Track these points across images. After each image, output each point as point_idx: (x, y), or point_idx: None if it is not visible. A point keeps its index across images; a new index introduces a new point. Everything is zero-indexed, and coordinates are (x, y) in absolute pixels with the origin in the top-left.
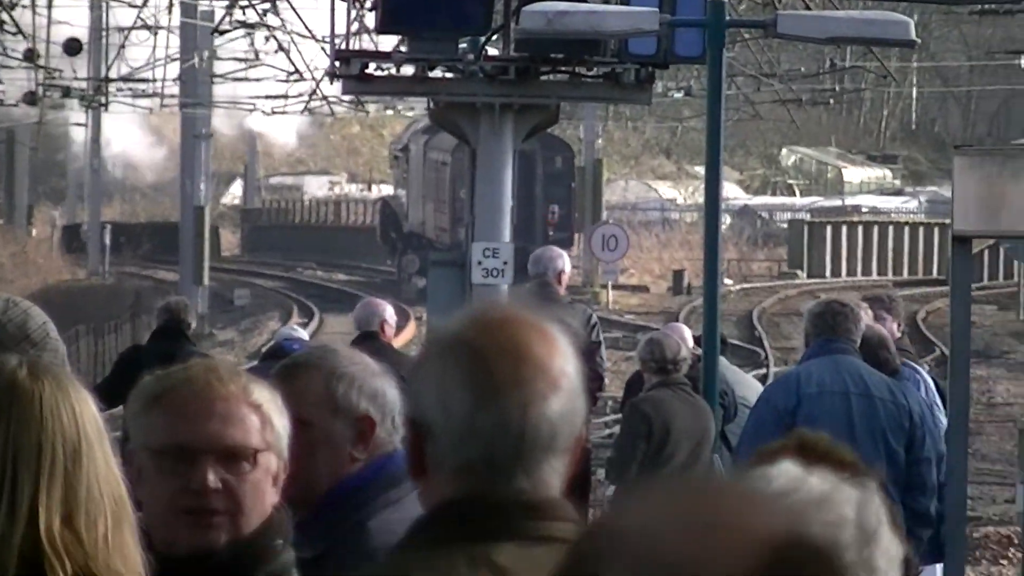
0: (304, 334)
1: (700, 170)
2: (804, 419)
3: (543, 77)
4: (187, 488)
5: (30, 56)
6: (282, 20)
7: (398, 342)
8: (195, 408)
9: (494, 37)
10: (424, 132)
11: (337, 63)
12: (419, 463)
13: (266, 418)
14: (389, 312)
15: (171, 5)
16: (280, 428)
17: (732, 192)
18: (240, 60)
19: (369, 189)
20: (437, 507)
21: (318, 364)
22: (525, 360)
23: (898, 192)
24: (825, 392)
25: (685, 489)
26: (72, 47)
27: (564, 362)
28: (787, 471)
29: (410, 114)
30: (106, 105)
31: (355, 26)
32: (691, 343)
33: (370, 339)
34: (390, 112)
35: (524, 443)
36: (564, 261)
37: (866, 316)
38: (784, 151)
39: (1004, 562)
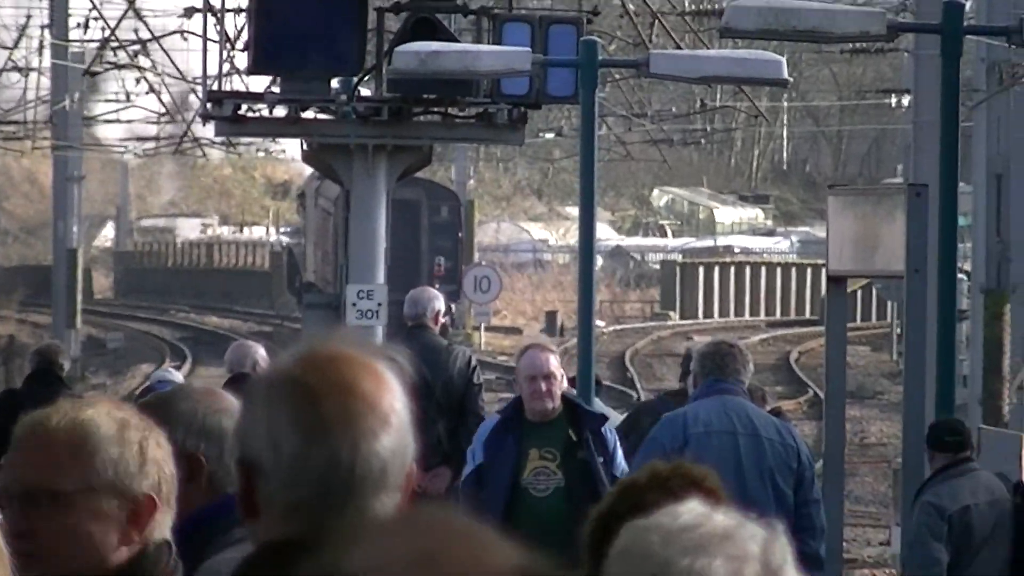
0: (179, 376)
1: (572, 211)
2: (692, 459)
3: (416, 118)
4: (5, 531)
5: None
6: (153, 62)
7: None
8: (17, 451)
9: (367, 78)
10: (317, 178)
11: (209, 104)
12: (251, 503)
13: (91, 458)
14: (262, 354)
15: (42, 47)
16: (122, 466)
17: (604, 233)
18: (111, 101)
19: (241, 231)
20: (265, 546)
21: (154, 403)
22: (354, 397)
23: (770, 232)
24: (713, 432)
25: (419, 528)
26: None
27: (393, 399)
28: (692, 508)
29: (282, 156)
30: None
31: (227, 67)
32: (565, 384)
33: (243, 380)
34: (262, 154)
35: (355, 480)
36: (441, 302)
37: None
38: (656, 192)
39: None
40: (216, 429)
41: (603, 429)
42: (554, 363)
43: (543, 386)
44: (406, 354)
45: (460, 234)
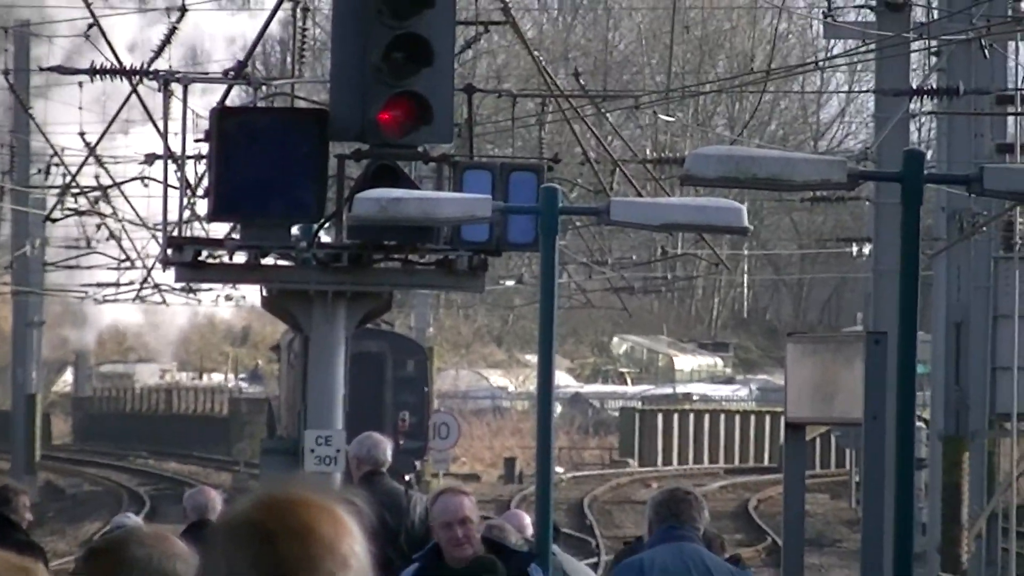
0: (138, 521)
1: (532, 358)
2: None
3: (376, 264)
4: None
5: None
6: (114, 208)
7: None
8: None
9: (327, 224)
10: (290, 333)
11: (169, 250)
12: None
13: None
14: (220, 500)
15: (2, 192)
16: None
17: (563, 380)
18: (72, 247)
19: (200, 378)
20: None
21: (107, 548)
22: (313, 540)
23: (729, 380)
24: None
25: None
26: None
27: (353, 542)
28: None
29: (243, 303)
30: None
31: (187, 214)
32: (530, 531)
33: (202, 527)
34: (223, 300)
35: None
36: (391, 447)
37: None
38: (615, 339)
39: None
40: (170, 575)
41: (528, 569)
42: (468, 506)
43: (459, 532)
44: (366, 498)
45: (426, 389)
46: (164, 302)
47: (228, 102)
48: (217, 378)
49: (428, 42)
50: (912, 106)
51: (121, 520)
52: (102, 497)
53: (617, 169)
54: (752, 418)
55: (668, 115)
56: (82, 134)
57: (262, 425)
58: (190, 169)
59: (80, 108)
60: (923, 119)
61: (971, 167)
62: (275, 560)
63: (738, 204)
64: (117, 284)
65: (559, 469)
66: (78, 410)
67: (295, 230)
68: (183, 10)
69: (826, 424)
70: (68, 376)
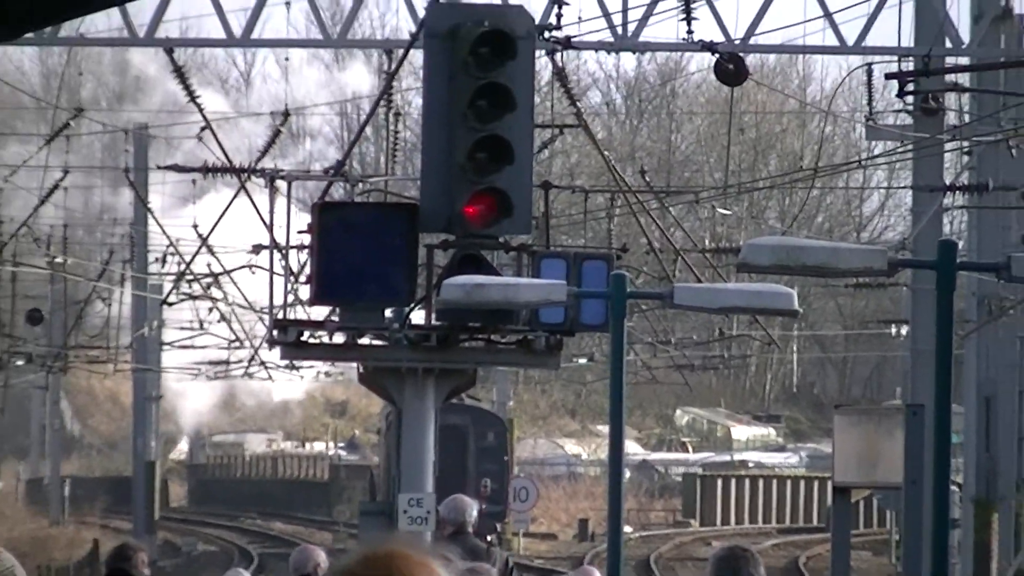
0: (248, 575)
1: (602, 428)
2: None
3: (462, 344)
4: None
5: None
6: (224, 293)
7: None
8: None
9: (417, 308)
10: (388, 408)
11: (275, 331)
12: None
13: None
14: (322, 557)
15: (123, 279)
16: None
17: (631, 448)
18: (186, 329)
19: (303, 446)
20: None
21: None
22: None
23: (781, 448)
24: None
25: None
26: (34, 317)
27: None
28: None
29: (340, 379)
30: (65, 370)
31: (291, 298)
32: None
33: None
34: (322, 376)
35: None
36: (476, 509)
37: None
38: (678, 411)
39: None
40: None
41: None
42: None
43: None
44: (457, 554)
45: (506, 458)
46: (270, 378)
47: (327, 196)
48: (319, 447)
49: (509, 143)
50: (946, 201)
51: (233, 574)
52: (215, 555)
53: (679, 258)
54: (802, 483)
55: (725, 209)
56: (195, 226)
57: (360, 489)
58: (293, 258)
59: (193, 203)
60: (956, 212)
61: (999, 256)
62: None
63: (789, 289)
64: (227, 362)
65: (628, 529)
66: (193, 476)
67: (388, 313)
68: (286, 114)
69: (869, 488)
70: (183, 445)
